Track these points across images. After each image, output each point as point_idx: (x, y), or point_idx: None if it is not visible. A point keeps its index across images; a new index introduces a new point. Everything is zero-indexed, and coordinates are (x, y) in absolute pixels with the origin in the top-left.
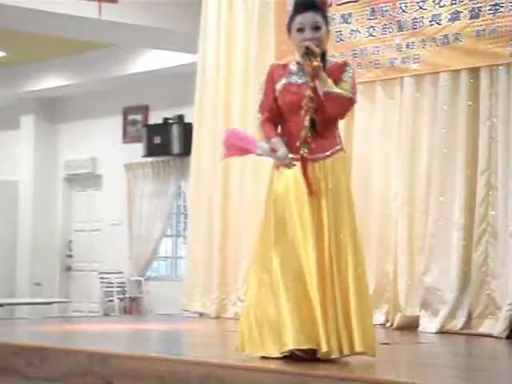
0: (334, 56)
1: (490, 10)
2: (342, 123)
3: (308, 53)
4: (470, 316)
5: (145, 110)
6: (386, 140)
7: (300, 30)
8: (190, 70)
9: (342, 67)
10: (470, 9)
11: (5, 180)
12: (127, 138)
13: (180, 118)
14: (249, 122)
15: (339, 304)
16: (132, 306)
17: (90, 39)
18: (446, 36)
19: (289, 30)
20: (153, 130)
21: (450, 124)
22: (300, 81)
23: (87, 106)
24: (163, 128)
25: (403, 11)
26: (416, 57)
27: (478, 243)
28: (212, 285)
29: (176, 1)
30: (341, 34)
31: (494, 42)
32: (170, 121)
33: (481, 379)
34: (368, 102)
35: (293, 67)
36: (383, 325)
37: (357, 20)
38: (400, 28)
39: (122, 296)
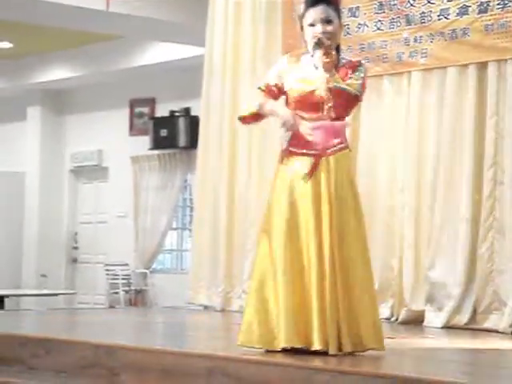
0: (343, 50)
1: (498, 4)
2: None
3: (319, 43)
4: (475, 311)
5: (151, 102)
6: (392, 134)
7: (312, 24)
8: (196, 63)
9: (356, 66)
10: (479, 3)
11: (11, 171)
12: (134, 130)
13: (186, 110)
14: None
15: (342, 300)
16: (137, 299)
17: (97, 31)
18: (454, 30)
19: (301, 25)
20: (159, 122)
21: (456, 118)
22: (311, 75)
23: (94, 98)
24: (170, 121)
25: (411, 5)
26: (424, 51)
27: (484, 239)
28: (217, 278)
29: None
30: (348, 28)
31: (502, 37)
32: (177, 113)
33: (485, 374)
34: (375, 95)
35: (304, 60)
36: (388, 319)
37: (364, 14)
38: (408, 22)
39: (127, 288)
